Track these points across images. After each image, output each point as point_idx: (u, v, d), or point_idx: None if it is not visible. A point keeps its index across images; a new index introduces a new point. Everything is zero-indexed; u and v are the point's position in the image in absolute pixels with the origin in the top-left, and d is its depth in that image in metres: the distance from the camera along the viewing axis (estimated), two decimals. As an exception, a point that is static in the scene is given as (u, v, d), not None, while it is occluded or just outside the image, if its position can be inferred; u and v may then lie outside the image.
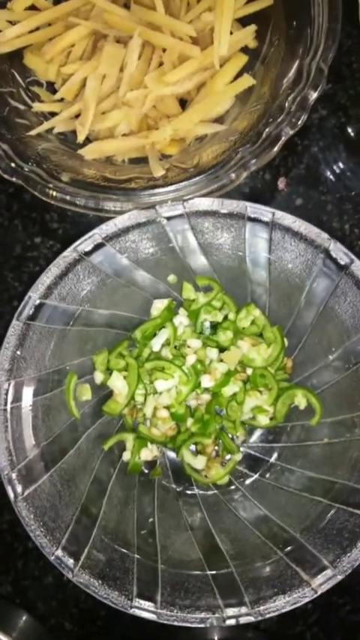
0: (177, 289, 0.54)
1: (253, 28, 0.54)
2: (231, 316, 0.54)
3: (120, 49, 0.52)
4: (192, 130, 0.53)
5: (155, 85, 0.51)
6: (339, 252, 0.49)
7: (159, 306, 0.54)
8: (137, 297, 0.54)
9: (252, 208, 0.48)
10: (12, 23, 0.54)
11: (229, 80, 0.54)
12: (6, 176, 0.48)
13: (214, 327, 0.54)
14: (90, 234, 0.48)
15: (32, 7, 0.54)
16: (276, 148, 0.49)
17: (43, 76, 0.56)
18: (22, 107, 0.54)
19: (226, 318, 0.54)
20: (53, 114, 0.55)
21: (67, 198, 0.48)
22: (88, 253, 0.49)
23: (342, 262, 0.49)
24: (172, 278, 0.54)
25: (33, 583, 0.58)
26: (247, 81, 0.53)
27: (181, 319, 0.54)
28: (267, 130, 0.49)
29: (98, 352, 0.53)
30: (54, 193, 0.48)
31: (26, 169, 0.49)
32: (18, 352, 0.48)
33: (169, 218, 0.49)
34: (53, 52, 0.53)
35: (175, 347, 0.54)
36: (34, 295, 0.48)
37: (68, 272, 0.49)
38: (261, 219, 0.49)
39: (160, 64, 0.53)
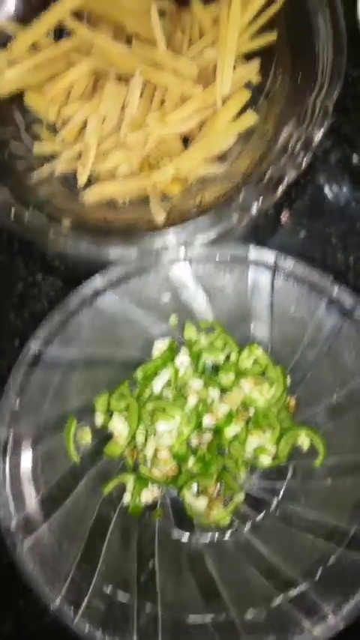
0: (179, 329, 0.54)
1: (256, 63, 0.53)
2: (233, 357, 0.53)
3: (121, 87, 0.52)
4: (194, 169, 0.53)
5: (157, 125, 0.51)
6: (343, 296, 0.49)
7: (160, 346, 0.54)
8: (139, 337, 0.53)
9: (255, 252, 0.48)
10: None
11: (232, 117, 0.53)
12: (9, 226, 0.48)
13: (216, 367, 0.54)
14: (91, 279, 0.48)
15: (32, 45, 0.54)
16: (279, 192, 0.48)
17: (44, 115, 0.55)
18: (22, 149, 0.54)
19: (228, 358, 0.53)
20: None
21: (69, 245, 0.48)
22: (90, 298, 0.48)
23: (346, 307, 0.49)
24: (173, 319, 0.53)
25: (34, 622, 0.58)
26: (250, 118, 0.52)
27: (183, 359, 0.54)
28: (269, 171, 0.49)
29: (99, 394, 0.53)
30: (55, 241, 0.48)
31: (27, 216, 0.48)
32: (18, 401, 0.47)
33: (171, 262, 0.48)
34: (54, 92, 0.53)
35: (177, 388, 0.54)
36: (34, 346, 0.47)
37: (69, 318, 0.48)
38: (264, 263, 0.48)
39: (162, 102, 0.52)
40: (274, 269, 0.48)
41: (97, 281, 0.48)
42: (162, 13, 0.55)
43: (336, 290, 0.48)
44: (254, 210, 0.47)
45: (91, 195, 0.52)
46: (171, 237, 0.47)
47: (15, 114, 0.55)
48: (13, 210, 0.48)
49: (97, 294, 0.48)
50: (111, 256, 0.47)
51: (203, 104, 0.51)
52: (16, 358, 0.48)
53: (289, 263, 0.48)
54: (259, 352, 0.53)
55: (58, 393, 0.50)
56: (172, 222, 0.49)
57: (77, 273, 0.50)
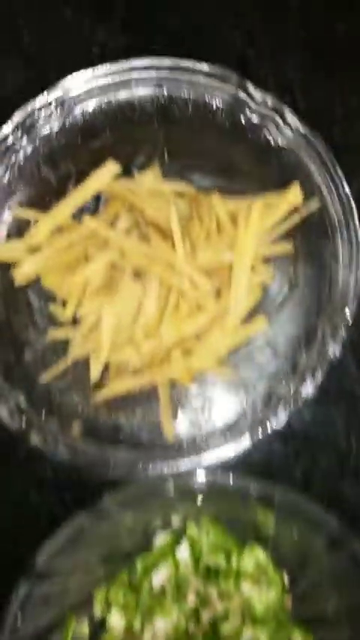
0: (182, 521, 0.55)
1: (270, 270, 0.53)
2: (234, 560, 0.54)
3: (137, 287, 0.52)
4: (205, 367, 0.53)
5: (171, 334, 0.51)
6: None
7: (162, 538, 0.54)
8: (140, 530, 0.54)
9: (258, 486, 0.48)
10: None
11: (242, 316, 0.53)
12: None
13: (217, 569, 0.54)
14: (101, 500, 0.48)
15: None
16: (284, 416, 0.49)
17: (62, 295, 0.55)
18: (34, 335, 0.54)
19: (228, 558, 0.54)
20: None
21: (77, 455, 0.48)
22: (98, 513, 0.49)
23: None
24: (176, 519, 0.54)
25: None
26: (261, 324, 0.53)
27: (184, 554, 0.54)
28: (277, 392, 0.49)
29: (98, 588, 0.54)
30: (64, 451, 0.48)
31: (39, 422, 0.49)
32: (20, 615, 0.48)
33: (179, 491, 0.49)
34: (71, 286, 0.53)
35: (176, 582, 0.54)
36: (39, 561, 0.48)
37: (77, 536, 0.49)
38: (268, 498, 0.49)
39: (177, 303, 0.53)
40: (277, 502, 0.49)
41: (106, 501, 0.48)
42: (180, 195, 0.55)
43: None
44: (267, 430, 0.48)
45: (102, 395, 0.52)
46: (181, 456, 0.48)
47: (29, 298, 0.55)
48: (24, 417, 0.49)
49: (107, 513, 0.48)
50: (118, 471, 0.48)
51: (217, 313, 0.52)
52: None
53: (291, 497, 0.49)
54: (260, 554, 0.54)
55: (58, 597, 0.50)
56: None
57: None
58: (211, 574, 0.54)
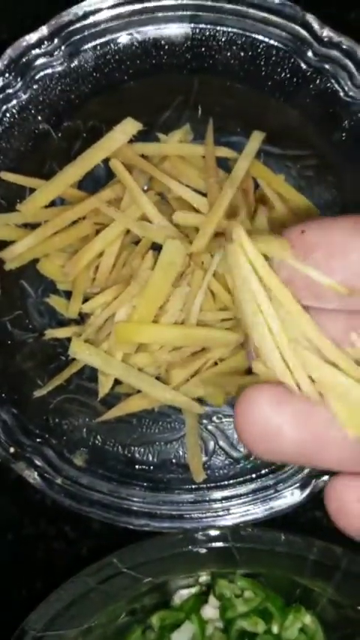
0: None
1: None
2: (275, 628, 0.43)
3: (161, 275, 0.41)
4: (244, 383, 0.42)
5: (201, 337, 0.40)
6: None
7: (184, 594, 0.44)
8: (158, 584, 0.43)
9: (317, 548, 0.37)
10: (27, 226, 0.42)
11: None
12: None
13: (252, 635, 0.44)
14: (109, 559, 0.37)
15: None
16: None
17: (62, 284, 0.44)
18: (27, 338, 0.43)
19: (268, 629, 0.43)
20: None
21: (78, 494, 0.37)
22: (102, 582, 0.38)
23: None
24: (204, 578, 0.43)
25: None
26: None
27: (211, 613, 0.44)
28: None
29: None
30: (62, 486, 0.37)
31: (29, 450, 0.38)
32: None
33: (209, 548, 0.38)
34: (77, 270, 0.42)
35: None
36: (33, 631, 0.37)
37: (72, 605, 0.38)
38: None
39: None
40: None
41: (115, 563, 0.37)
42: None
43: None
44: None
45: (112, 414, 0.41)
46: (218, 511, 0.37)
47: (24, 287, 0.44)
48: (11, 441, 0.38)
49: (115, 574, 0.38)
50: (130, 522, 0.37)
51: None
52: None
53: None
54: (306, 619, 0.43)
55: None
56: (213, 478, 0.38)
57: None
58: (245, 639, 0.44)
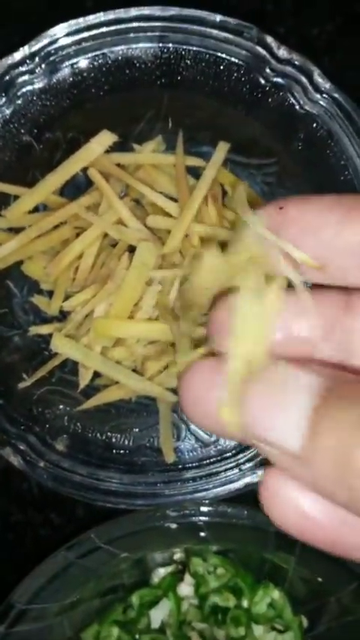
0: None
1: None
2: (245, 603, 0.46)
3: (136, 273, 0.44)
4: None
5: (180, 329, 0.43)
6: None
7: (161, 572, 0.46)
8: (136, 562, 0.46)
9: None
10: (12, 230, 0.46)
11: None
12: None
13: (225, 610, 0.47)
14: (87, 535, 0.40)
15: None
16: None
17: (45, 284, 0.47)
18: (12, 334, 0.46)
19: (239, 604, 0.46)
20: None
21: (60, 476, 0.40)
22: (81, 556, 0.41)
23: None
24: (178, 555, 0.46)
25: None
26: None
27: (186, 591, 0.46)
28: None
29: (87, 628, 0.46)
30: (45, 472, 0.40)
31: (14, 437, 0.41)
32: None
33: (180, 523, 0.41)
34: (58, 271, 0.45)
35: (178, 623, 0.46)
36: (18, 604, 0.40)
37: (58, 574, 0.41)
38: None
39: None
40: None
41: (93, 538, 0.40)
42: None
43: None
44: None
45: (92, 402, 0.44)
46: (182, 487, 0.40)
47: (9, 286, 0.47)
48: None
49: (93, 549, 0.41)
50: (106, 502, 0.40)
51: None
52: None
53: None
54: (275, 594, 0.46)
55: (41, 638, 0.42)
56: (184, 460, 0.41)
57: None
58: (218, 614, 0.46)
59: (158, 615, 0.46)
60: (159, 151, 0.48)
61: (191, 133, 0.48)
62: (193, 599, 0.47)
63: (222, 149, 0.46)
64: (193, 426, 0.44)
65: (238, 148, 0.47)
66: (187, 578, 0.47)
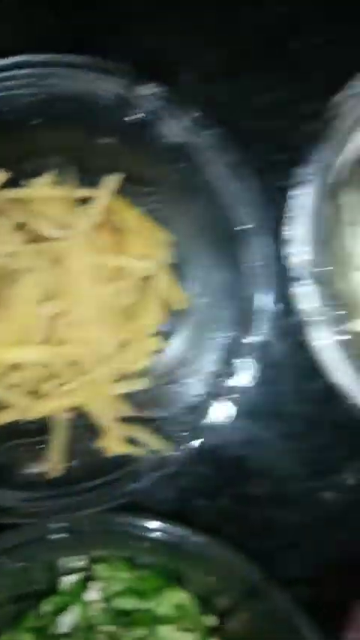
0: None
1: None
2: (149, 605, 0.49)
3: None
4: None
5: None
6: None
7: (69, 579, 0.50)
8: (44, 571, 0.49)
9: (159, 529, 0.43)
10: None
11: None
12: None
13: (128, 612, 0.50)
14: None
15: None
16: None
17: None
18: None
19: (143, 607, 0.49)
20: None
21: None
22: None
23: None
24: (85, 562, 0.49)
25: None
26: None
27: (93, 595, 0.49)
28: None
29: (1, 635, 0.49)
30: None
31: None
32: None
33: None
34: None
35: (86, 628, 0.49)
36: None
37: None
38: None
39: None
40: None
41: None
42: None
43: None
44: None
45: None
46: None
47: None
48: None
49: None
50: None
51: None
52: None
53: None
54: (181, 597, 0.49)
55: None
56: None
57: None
58: (122, 617, 0.49)
59: (67, 621, 0.49)
60: (53, 185, 0.51)
61: (85, 165, 0.50)
62: (100, 603, 0.49)
63: (112, 179, 0.49)
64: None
65: (130, 178, 0.50)
66: (93, 583, 0.50)
